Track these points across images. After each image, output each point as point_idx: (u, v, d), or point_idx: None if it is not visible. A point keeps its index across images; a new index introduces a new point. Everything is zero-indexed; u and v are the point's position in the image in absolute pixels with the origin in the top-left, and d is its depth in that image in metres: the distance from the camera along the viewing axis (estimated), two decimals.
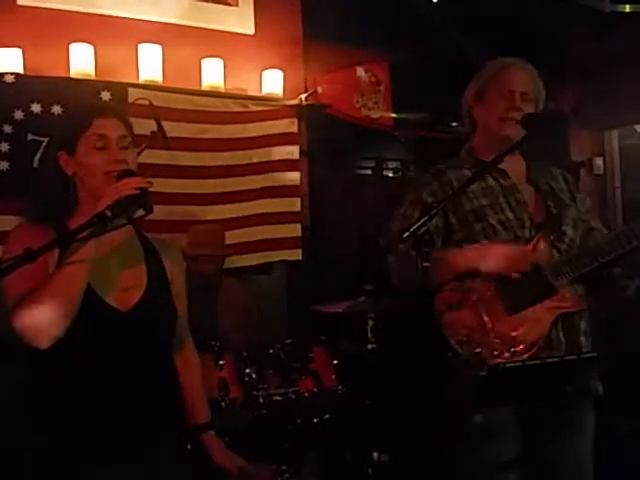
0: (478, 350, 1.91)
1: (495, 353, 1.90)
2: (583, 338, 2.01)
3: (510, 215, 2.02)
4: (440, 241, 2.04)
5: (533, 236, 1.99)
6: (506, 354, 1.90)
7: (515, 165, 2.10)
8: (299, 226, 3.89)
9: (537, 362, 1.85)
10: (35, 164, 3.17)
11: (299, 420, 2.70)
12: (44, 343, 1.50)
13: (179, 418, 1.74)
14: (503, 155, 1.91)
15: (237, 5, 3.86)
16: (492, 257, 1.92)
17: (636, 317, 3.50)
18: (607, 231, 2.15)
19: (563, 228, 2.04)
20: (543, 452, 1.99)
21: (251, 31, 3.88)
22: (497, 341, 1.92)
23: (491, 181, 2.06)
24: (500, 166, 2.03)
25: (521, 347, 1.91)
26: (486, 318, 1.95)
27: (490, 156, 2.01)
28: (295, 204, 3.89)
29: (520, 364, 1.85)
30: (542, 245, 1.97)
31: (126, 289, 1.63)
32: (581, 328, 2.01)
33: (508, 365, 1.86)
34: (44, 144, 3.15)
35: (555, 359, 1.87)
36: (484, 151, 2.09)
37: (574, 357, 1.85)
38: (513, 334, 1.92)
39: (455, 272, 1.97)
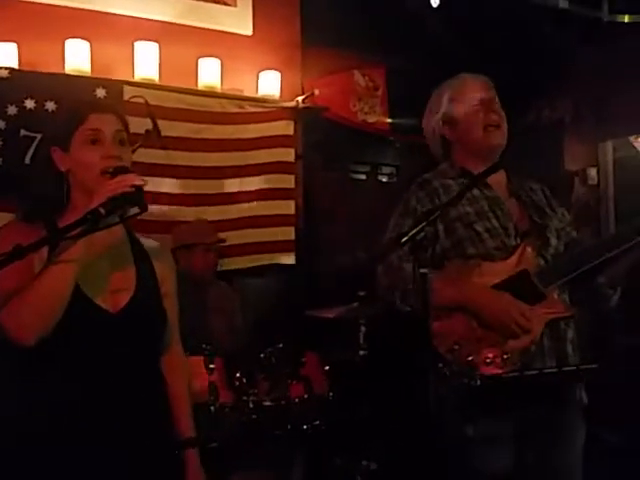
0: (470, 358, 1.89)
1: (487, 360, 1.89)
2: (570, 347, 2.00)
3: (495, 223, 2.02)
4: (430, 249, 2.03)
5: (519, 244, 1.99)
6: (498, 360, 1.89)
7: (496, 177, 2.10)
8: (293, 229, 3.87)
9: (533, 373, 1.84)
10: (27, 160, 3.13)
11: (289, 426, 2.67)
12: (28, 341, 1.48)
13: (165, 423, 1.70)
14: (496, 167, 1.95)
15: (235, 6, 3.85)
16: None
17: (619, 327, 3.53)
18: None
19: (547, 236, 2.05)
20: (534, 463, 1.98)
21: (249, 32, 3.86)
22: (489, 348, 1.91)
23: (475, 191, 2.06)
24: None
25: (512, 354, 1.89)
26: (476, 325, 1.94)
27: (474, 165, 2.05)
28: (289, 207, 3.87)
29: (515, 374, 1.84)
30: (529, 253, 1.98)
31: (115, 291, 1.60)
32: (568, 336, 2.01)
33: (503, 376, 1.85)
34: (37, 140, 3.12)
35: (553, 370, 1.87)
36: (467, 161, 2.11)
37: (573, 368, 1.84)
38: (503, 341, 1.91)
39: (441, 304, 1.94)
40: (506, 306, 1.92)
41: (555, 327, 1.97)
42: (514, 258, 1.98)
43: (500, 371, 1.86)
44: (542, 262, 2.00)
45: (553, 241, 2.06)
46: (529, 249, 1.98)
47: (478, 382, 1.83)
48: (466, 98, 2.11)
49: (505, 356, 1.89)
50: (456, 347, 1.91)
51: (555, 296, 1.97)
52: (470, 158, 2.10)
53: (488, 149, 2.07)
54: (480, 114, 2.07)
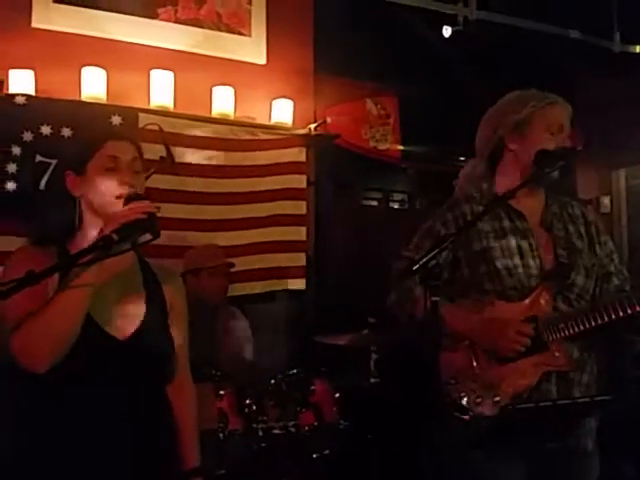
0: (463, 394, 1.87)
1: (478, 400, 1.86)
2: (579, 392, 1.93)
3: (517, 261, 1.95)
4: (447, 274, 1.99)
5: (538, 285, 1.93)
6: (488, 402, 1.86)
7: (534, 206, 2.03)
8: (304, 255, 3.87)
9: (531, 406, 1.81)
10: (42, 186, 3.16)
11: (298, 455, 2.64)
12: (40, 369, 1.47)
13: (171, 452, 1.68)
14: (515, 190, 1.87)
15: (250, 35, 3.90)
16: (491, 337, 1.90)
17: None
18: (626, 273, 2.08)
19: (572, 279, 1.96)
20: None
21: (263, 61, 3.90)
22: (482, 388, 1.88)
23: (506, 222, 1.99)
24: (519, 208, 1.99)
25: (504, 398, 1.86)
26: (475, 364, 1.92)
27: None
28: (301, 233, 3.87)
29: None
30: (544, 297, 1.92)
31: (124, 317, 1.60)
32: (580, 382, 1.94)
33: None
34: (52, 166, 3.16)
35: (546, 404, 1.81)
36: (507, 184, 1.98)
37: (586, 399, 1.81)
38: (498, 384, 1.88)
39: (450, 332, 1.93)
40: (501, 328, 1.89)
41: (562, 375, 1.91)
42: (528, 301, 1.92)
43: (488, 413, 1.84)
44: (564, 305, 1.94)
45: (580, 280, 1.97)
46: (545, 293, 1.92)
47: (467, 417, 1.82)
48: (549, 121, 1.99)
49: (496, 399, 1.86)
50: (452, 381, 1.89)
51: (560, 347, 1.89)
52: (513, 180, 1.97)
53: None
54: (550, 141, 1.97)
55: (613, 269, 2.06)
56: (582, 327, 1.87)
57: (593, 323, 1.86)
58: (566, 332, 1.88)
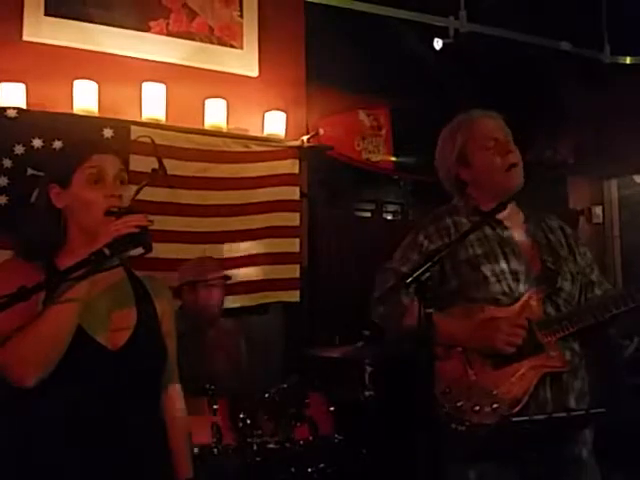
0: (459, 404, 1.85)
1: (476, 408, 1.84)
2: (573, 398, 1.92)
3: (504, 267, 1.96)
4: (433, 286, 1.97)
5: (526, 290, 1.94)
6: (487, 409, 1.84)
7: (513, 216, 2.05)
8: (297, 267, 3.86)
9: (524, 419, 1.79)
10: (33, 199, 3.14)
11: (293, 469, 2.61)
12: (27, 383, 1.46)
13: (164, 463, 1.66)
14: (504, 204, 1.89)
15: (242, 48, 3.90)
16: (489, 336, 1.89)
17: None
18: (608, 284, 2.10)
19: (559, 284, 1.98)
20: None
21: (255, 73, 3.91)
22: (479, 395, 1.86)
23: (488, 230, 2.00)
24: (498, 216, 1.99)
25: (502, 405, 1.84)
26: (470, 371, 1.90)
27: (489, 205, 1.97)
28: (294, 245, 3.86)
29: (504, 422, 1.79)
30: (534, 301, 1.93)
31: (116, 329, 1.59)
32: (573, 387, 1.93)
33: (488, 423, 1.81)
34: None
35: (541, 417, 1.81)
36: (482, 201, 2.03)
37: (563, 415, 1.80)
38: (495, 390, 1.86)
39: (443, 341, 1.92)
40: (496, 325, 1.88)
41: (556, 378, 1.90)
42: (518, 305, 1.92)
43: (487, 421, 1.82)
44: (552, 309, 1.94)
45: (567, 286, 1.98)
46: (536, 297, 1.93)
47: (464, 427, 1.80)
48: (481, 139, 2.02)
49: (494, 406, 1.84)
50: (447, 390, 1.87)
51: (555, 348, 1.90)
52: (486, 197, 2.01)
53: (507, 190, 1.98)
54: (497, 157, 1.99)
55: (595, 278, 2.08)
56: (577, 327, 1.89)
57: (587, 323, 1.88)
58: (560, 333, 1.89)
